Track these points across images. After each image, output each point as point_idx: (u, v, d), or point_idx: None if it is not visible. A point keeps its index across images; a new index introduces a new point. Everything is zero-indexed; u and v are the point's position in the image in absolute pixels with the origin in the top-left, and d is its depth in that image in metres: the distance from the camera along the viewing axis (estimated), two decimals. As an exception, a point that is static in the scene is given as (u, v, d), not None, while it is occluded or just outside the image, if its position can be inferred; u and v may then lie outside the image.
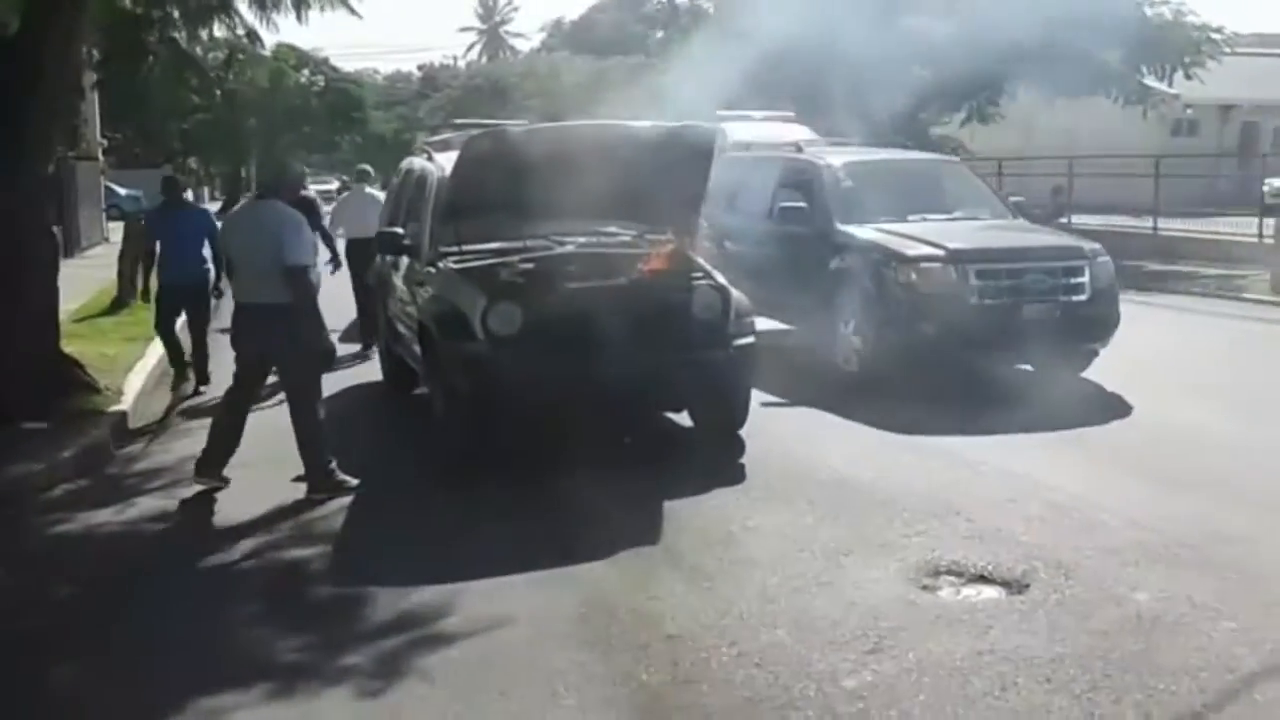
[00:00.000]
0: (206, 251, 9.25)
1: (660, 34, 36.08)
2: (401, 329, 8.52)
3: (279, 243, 6.31)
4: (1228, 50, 21.99)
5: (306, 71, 46.66)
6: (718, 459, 7.07)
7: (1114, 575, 5.06)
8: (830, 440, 7.50)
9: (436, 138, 10.06)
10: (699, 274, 7.30)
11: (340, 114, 46.74)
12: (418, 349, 7.68)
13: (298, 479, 6.57)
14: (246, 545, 5.81)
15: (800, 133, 12.85)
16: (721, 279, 7.27)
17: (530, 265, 7.27)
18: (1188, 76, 22.04)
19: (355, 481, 6.58)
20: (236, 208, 6.52)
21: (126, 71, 22.08)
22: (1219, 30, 21.70)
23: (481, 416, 6.73)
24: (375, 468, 7.10)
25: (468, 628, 4.68)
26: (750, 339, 7.13)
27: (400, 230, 8.17)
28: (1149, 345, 10.25)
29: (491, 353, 6.63)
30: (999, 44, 17.01)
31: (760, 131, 12.63)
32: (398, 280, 8.54)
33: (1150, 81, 22.57)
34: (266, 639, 4.71)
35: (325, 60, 47.92)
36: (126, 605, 5.13)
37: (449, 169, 7.93)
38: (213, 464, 6.64)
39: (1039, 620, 4.64)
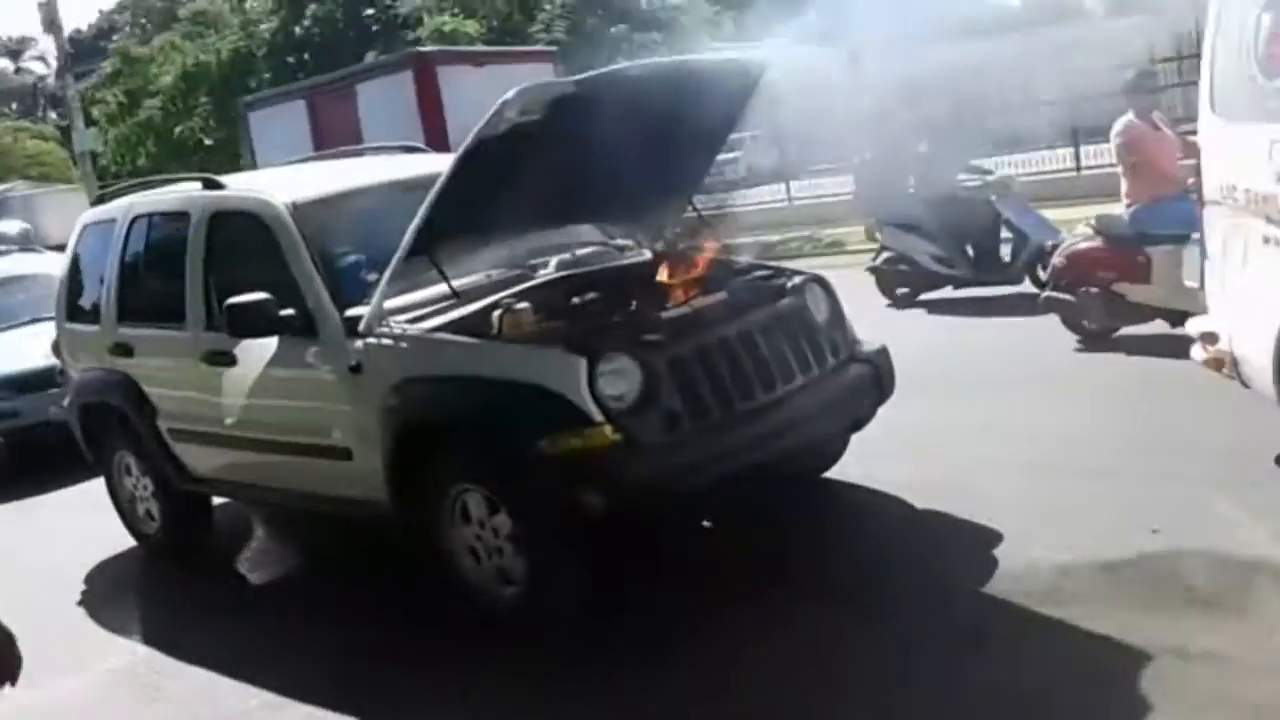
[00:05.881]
0: None
1: None
2: (244, 456, 5.43)
3: None
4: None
5: None
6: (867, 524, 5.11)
7: None
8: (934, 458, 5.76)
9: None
10: (766, 269, 5.32)
11: None
12: (351, 483, 4.81)
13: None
14: None
15: None
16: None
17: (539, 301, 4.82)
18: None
19: None
20: None
21: None
22: None
23: (607, 549, 4.23)
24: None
25: None
26: (881, 343, 5.24)
27: (266, 297, 5.01)
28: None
29: (626, 435, 4.15)
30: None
31: None
32: (218, 376, 5.40)
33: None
34: None
35: None
36: None
37: (312, 196, 5.18)
38: None
39: None
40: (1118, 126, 7.29)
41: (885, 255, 10.29)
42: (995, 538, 4.68)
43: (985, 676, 3.71)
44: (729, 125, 5.43)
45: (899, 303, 10.17)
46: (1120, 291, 7.22)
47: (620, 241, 5.69)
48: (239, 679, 4.63)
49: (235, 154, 24.66)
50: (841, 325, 5.07)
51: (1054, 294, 7.63)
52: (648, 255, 5.49)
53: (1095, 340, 7.50)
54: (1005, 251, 9.68)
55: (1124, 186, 7.33)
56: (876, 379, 4.98)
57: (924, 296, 10.05)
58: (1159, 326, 7.01)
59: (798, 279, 5.06)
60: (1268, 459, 4.93)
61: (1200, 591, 4.02)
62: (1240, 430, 5.21)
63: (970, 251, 9.77)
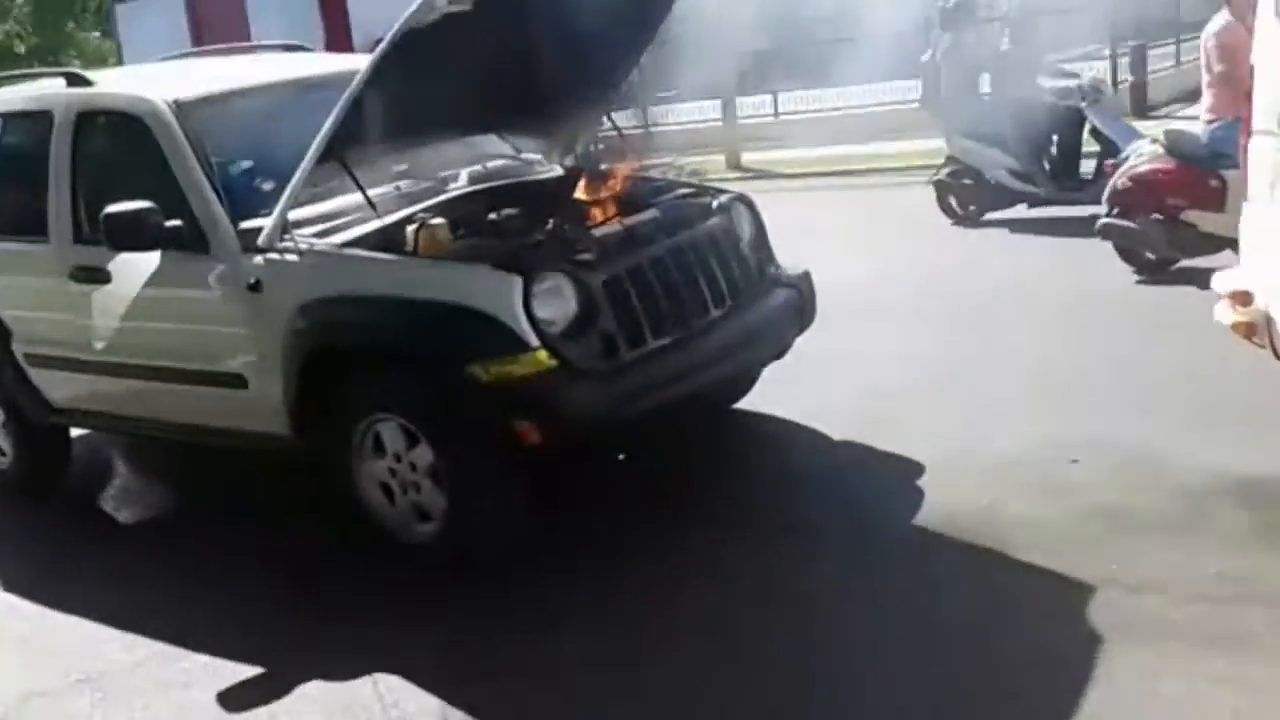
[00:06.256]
0: None
1: None
2: (117, 384, 4.94)
3: None
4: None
5: None
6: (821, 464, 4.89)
7: None
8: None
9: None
10: (688, 187, 5.10)
11: None
12: (263, 409, 4.40)
13: None
14: None
15: None
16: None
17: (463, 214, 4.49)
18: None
19: None
20: None
21: None
22: None
23: (545, 481, 3.98)
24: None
25: None
26: (804, 269, 5.05)
27: (149, 205, 4.44)
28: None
29: (562, 361, 3.88)
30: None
31: None
32: (88, 295, 4.87)
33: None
34: None
35: None
36: None
37: (197, 94, 4.69)
38: None
39: None
40: (1212, 27, 6.28)
41: (950, 168, 9.15)
42: (917, 470, 4.60)
43: (912, 615, 3.60)
44: (656, 22, 5.08)
45: (963, 222, 9.18)
46: (1190, 220, 6.37)
47: (529, 155, 5.36)
48: (121, 628, 4.22)
49: (55, 62, 22.92)
50: (766, 247, 4.89)
51: (1112, 220, 6.79)
52: (559, 170, 5.18)
53: (1155, 271, 6.80)
54: (1087, 167, 8.66)
55: (1205, 99, 6.40)
56: (799, 305, 4.81)
57: (994, 216, 9.02)
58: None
59: (723, 198, 4.83)
60: (1240, 405, 4.73)
61: (1127, 520, 3.98)
62: (1229, 376, 4.91)
63: (1047, 166, 8.75)
